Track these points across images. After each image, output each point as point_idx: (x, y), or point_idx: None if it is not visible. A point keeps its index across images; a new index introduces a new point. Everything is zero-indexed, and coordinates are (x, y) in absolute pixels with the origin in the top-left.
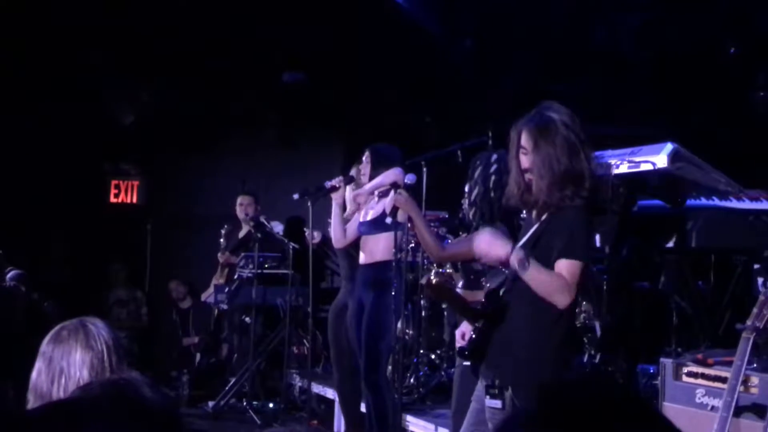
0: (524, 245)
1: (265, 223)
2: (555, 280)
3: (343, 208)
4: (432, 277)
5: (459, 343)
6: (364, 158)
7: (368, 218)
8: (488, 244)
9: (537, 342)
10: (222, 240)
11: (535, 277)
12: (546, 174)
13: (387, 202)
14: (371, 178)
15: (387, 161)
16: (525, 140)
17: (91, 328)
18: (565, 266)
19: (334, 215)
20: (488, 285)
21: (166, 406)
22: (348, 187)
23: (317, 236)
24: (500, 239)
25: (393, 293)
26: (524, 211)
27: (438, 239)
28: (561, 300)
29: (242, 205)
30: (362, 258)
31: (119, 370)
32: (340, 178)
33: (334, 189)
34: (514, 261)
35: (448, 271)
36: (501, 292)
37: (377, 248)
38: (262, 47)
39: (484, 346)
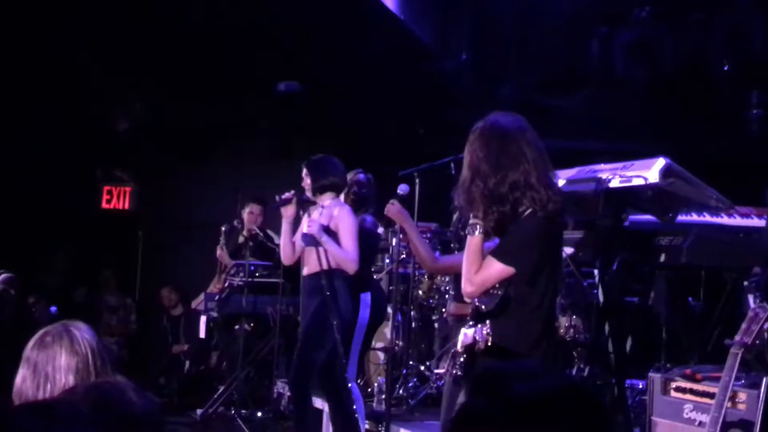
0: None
1: (272, 235)
2: (472, 262)
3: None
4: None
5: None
6: (303, 174)
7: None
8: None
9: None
10: (222, 238)
11: (469, 245)
12: (468, 177)
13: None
14: (314, 191)
15: (325, 172)
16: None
17: (75, 333)
18: (487, 263)
19: (283, 232)
20: (482, 306)
21: (150, 410)
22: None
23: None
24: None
25: (340, 302)
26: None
27: (431, 251)
28: (463, 285)
29: (253, 214)
30: (304, 269)
31: (104, 373)
32: (293, 191)
33: (287, 202)
34: (472, 221)
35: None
36: (487, 313)
37: (313, 258)
38: (257, 56)
39: (471, 365)
